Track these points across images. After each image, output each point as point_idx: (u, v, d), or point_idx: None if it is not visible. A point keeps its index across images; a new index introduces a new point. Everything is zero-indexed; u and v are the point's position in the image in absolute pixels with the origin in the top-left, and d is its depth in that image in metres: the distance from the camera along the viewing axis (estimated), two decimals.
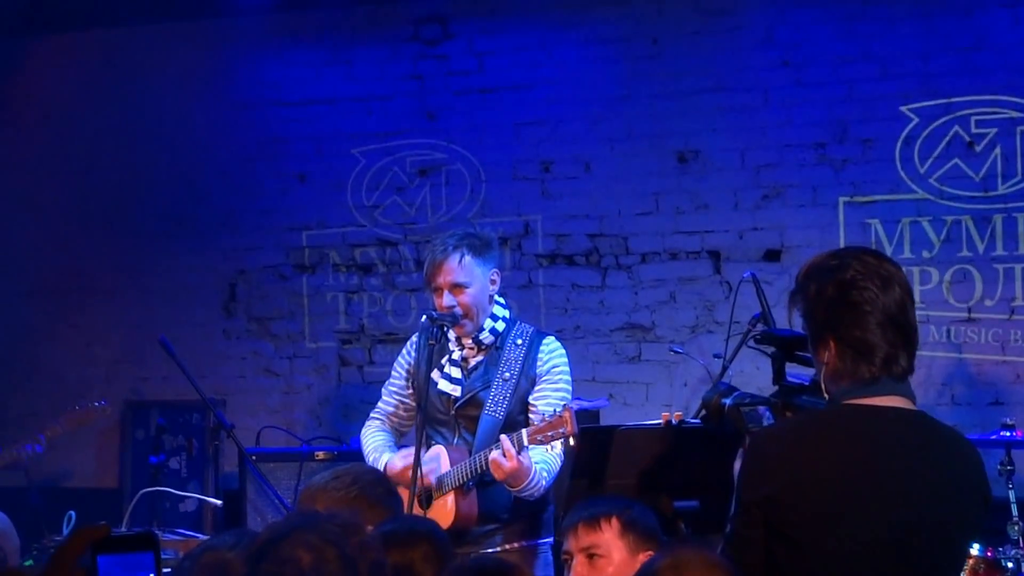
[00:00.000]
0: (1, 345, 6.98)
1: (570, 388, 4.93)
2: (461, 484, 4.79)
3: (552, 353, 4.90)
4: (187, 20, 8.39)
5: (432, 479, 4.83)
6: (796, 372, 3.31)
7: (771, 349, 3.34)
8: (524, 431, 4.62)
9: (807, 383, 3.15)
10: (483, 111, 7.94)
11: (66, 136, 8.46)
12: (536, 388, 4.86)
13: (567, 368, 4.93)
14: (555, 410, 4.60)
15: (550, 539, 4.98)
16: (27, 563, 5.49)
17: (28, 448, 6.51)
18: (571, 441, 4.57)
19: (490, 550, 4.80)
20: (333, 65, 8.21)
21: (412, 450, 4.74)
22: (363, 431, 5.24)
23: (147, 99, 8.41)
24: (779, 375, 3.28)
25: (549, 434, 4.56)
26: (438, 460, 4.88)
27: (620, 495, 4.09)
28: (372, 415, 5.26)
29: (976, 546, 5.50)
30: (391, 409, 5.20)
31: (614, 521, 3.79)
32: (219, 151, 8.35)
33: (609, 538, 3.77)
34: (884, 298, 2.91)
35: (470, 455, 4.79)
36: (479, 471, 4.73)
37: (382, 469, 4.80)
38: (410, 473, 4.67)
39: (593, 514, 3.82)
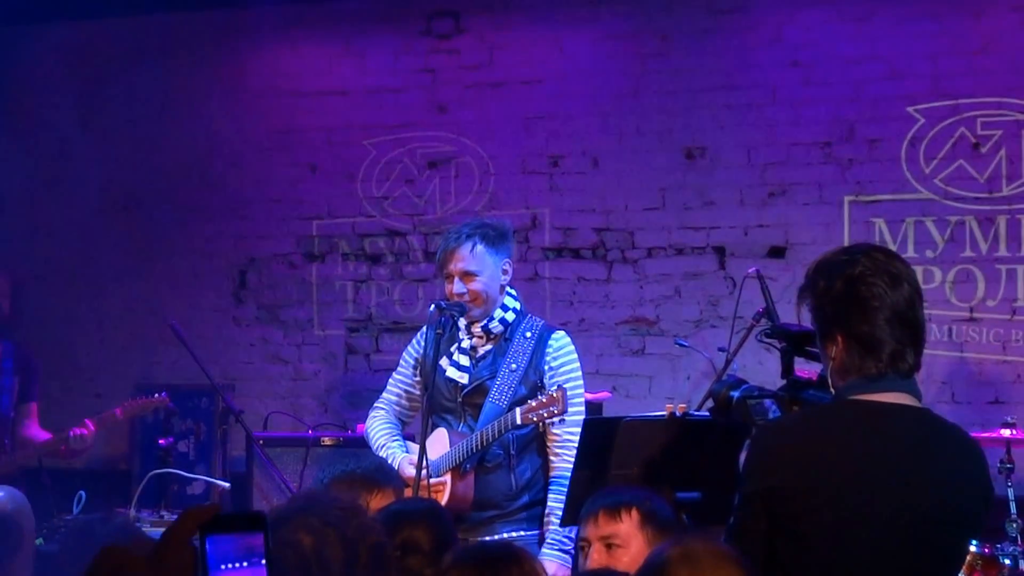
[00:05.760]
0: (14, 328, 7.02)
1: (581, 384, 4.99)
2: (458, 464, 4.85)
3: (561, 351, 4.94)
4: (202, 10, 8.42)
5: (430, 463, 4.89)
6: (803, 367, 3.35)
7: (780, 344, 3.37)
8: (517, 409, 4.69)
9: (815, 378, 3.19)
10: (493, 105, 7.99)
11: (81, 123, 8.48)
12: (547, 387, 4.90)
13: (577, 365, 4.97)
14: (548, 390, 4.69)
15: None
16: (38, 541, 5.56)
17: (74, 433, 6.56)
18: (564, 420, 4.67)
19: (487, 538, 4.82)
20: (346, 57, 8.25)
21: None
22: (368, 420, 5.29)
23: (161, 88, 8.45)
24: (787, 370, 3.31)
25: (541, 412, 4.63)
26: (441, 442, 4.95)
27: (623, 485, 4.09)
28: (376, 404, 5.31)
29: (974, 543, 5.52)
30: (395, 398, 5.25)
31: (634, 512, 3.77)
32: (232, 140, 8.39)
33: (628, 528, 3.75)
34: (893, 295, 2.92)
35: None
36: (476, 450, 4.80)
37: (395, 466, 4.87)
38: (415, 480, 4.76)
39: (614, 503, 3.79)
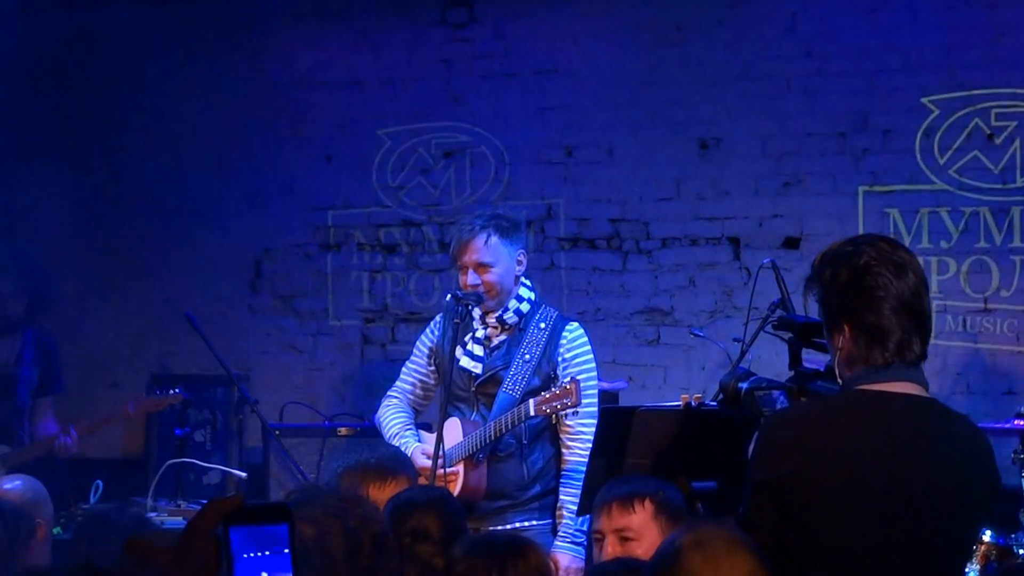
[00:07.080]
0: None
1: (594, 376, 5.00)
2: (471, 455, 4.88)
3: (575, 342, 4.97)
4: (217, 0, 8.46)
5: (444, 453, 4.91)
6: (812, 358, 3.37)
7: (788, 335, 3.39)
8: (531, 401, 4.72)
9: (823, 369, 3.21)
10: (508, 95, 7.99)
11: (97, 114, 8.53)
12: (560, 378, 4.92)
13: (591, 357, 5.00)
14: (562, 382, 4.72)
15: None
16: (56, 530, 5.60)
17: (59, 442, 6.62)
18: (577, 412, 4.69)
19: (500, 527, 4.87)
20: (360, 48, 8.25)
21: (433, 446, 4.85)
22: (381, 410, 5.32)
23: (176, 78, 8.46)
24: (795, 360, 3.33)
25: (555, 404, 4.67)
26: (453, 431, 4.97)
27: (636, 475, 4.11)
28: (389, 393, 5.34)
29: (988, 532, 5.52)
30: (408, 387, 5.28)
31: (648, 503, 3.81)
32: (247, 131, 8.40)
33: (642, 520, 3.79)
34: (898, 284, 2.94)
35: None
36: (489, 440, 4.83)
37: (408, 456, 4.90)
38: (432, 469, 4.79)
39: (627, 495, 3.83)
